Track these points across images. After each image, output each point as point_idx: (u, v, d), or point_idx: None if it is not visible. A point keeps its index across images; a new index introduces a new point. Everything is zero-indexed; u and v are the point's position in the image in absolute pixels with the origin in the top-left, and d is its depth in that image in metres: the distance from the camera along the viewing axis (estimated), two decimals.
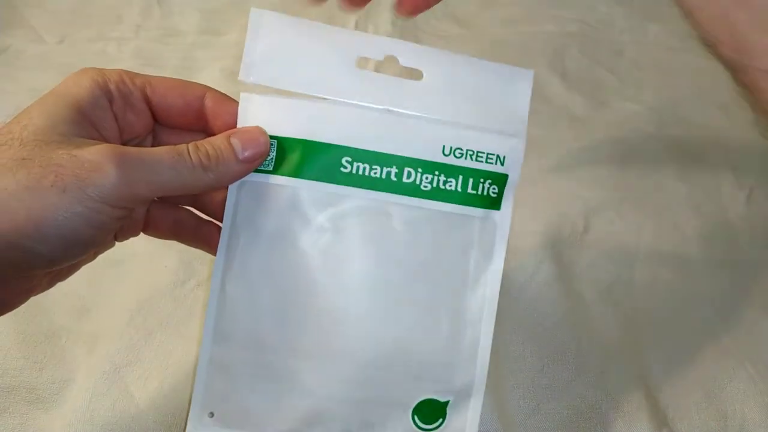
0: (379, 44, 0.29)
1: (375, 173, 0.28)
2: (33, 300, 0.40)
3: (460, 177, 0.29)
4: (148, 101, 0.29)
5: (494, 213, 0.30)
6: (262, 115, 0.28)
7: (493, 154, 0.29)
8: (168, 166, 0.25)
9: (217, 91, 0.30)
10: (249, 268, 0.29)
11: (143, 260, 0.42)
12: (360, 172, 0.28)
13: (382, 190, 0.29)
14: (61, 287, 0.40)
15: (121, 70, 0.29)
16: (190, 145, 0.27)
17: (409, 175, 0.29)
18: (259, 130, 0.28)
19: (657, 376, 0.38)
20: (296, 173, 0.28)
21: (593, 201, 0.49)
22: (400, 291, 0.29)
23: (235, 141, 0.27)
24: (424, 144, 0.29)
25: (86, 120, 0.27)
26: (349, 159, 0.28)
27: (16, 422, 0.35)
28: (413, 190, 0.29)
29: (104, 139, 0.27)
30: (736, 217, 0.49)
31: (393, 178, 0.29)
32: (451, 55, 0.29)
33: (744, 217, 0.48)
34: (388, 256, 0.29)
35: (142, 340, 0.38)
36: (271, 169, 0.28)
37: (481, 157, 0.29)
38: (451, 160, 0.29)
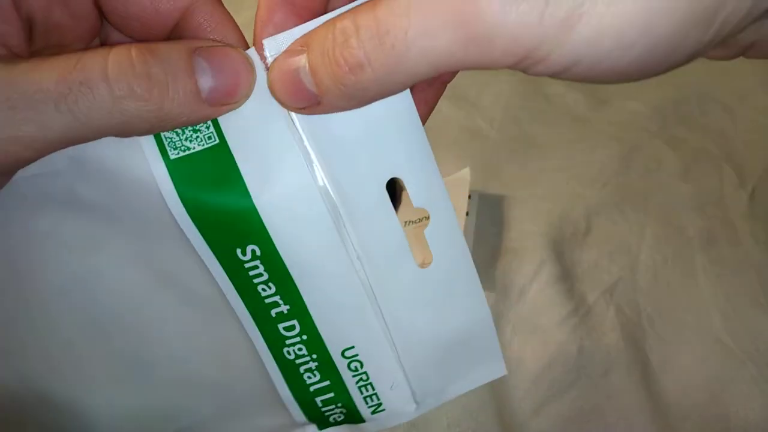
0: (428, 185, 0.19)
1: (264, 291, 0.20)
2: None
3: (327, 384, 0.22)
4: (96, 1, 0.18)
5: (310, 429, 0.23)
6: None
7: (378, 400, 0.22)
8: (61, 108, 0.15)
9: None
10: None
11: None
12: (251, 275, 0.20)
13: (250, 312, 0.20)
14: None
15: None
16: (114, 56, 0.15)
17: (290, 329, 0.21)
18: (242, 57, 0.17)
19: (659, 377, 0.38)
20: (192, 207, 0.18)
21: (595, 201, 0.49)
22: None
23: (202, 61, 0.16)
24: (340, 328, 0.21)
25: None
26: (257, 252, 0.19)
27: None
28: (276, 344, 0.21)
29: None
30: (739, 216, 0.48)
31: (273, 314, 0.20)
32: (478, 289, 0.22)
33: (746, 217, 0.48)
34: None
35: None
36: (171, 159, 0.18)
37: (366, 390, 0.22)
38: (341, 365, 0.21)
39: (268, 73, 0.17)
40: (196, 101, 0.16)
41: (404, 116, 0.18)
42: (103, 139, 0.16)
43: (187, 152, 0.18)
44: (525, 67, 0.15)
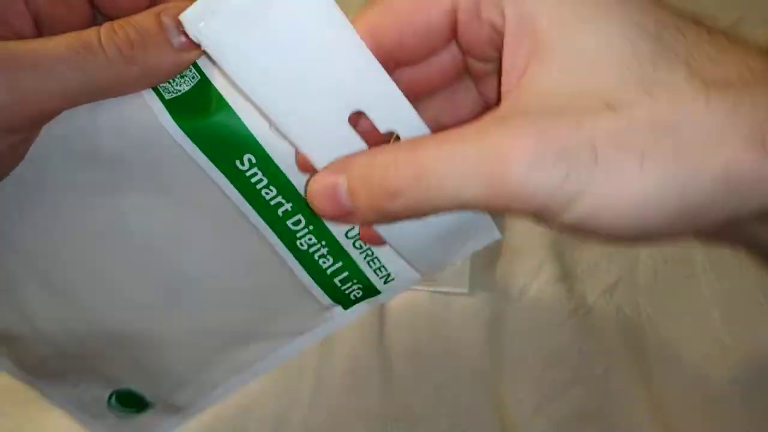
0: (393, 109, 0.20)
1: (267, 195, 0.23)
2: None
3: (340, 264, 0.25)
4: None
5: (337, 309, 0.27)
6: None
7: (386, 270, 0.25)
8: (72, 67, 0.19)
9: None
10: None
11: None
12: (253, 182, 0.23)
13: (261, 215, 0.23)
14: None
15: None
16: (103, 29, 0.19)
17: (297, 223, 0.24)
18: None
19: (659, 377, 0.38)
20: (192, 134, 0.22)
21: None
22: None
23: (166, 20, 0.20)
24: None
25: None
26: (253, 160, 0.22)
27: (14, 424, 0.35)
28: (289, 239, 0.24)
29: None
30: None
31: (280, 213, 0.23)
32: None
33: None
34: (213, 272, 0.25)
35: None
36: (166, 99, 0.21)
37: (374, 263, 0.25)
38: (347, 245, 0.24)
39: (307, 185, 0.20)
40: (169, 50, 0.20)
41: (357, 54, 0.19)
42: (112, 99, 0.21)
43: (179, 93, 0.21)
44: (537, 220, 0.18)
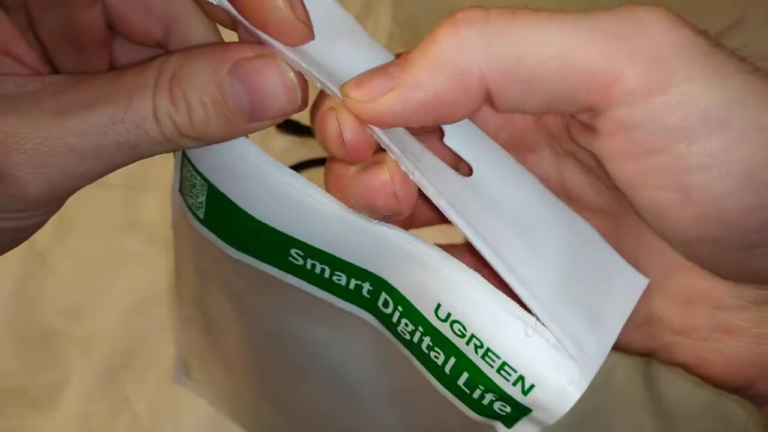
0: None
1: (340, 280, 0.19)
2: (27, 301, 0.39)
3: (454, 360, 0.17)
4: None
5: (499, 426, 0.18)
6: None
7: (518, 374, 0.16)
8: (115, 149, 0.16)
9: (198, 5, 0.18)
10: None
11: (138, 261, 0.42)
12: (316, 272, 0.19)
13: (356, 304, 0.19)
14: (55, 288, 0.40)
15: None
16: (159, 97, 0.16)
17: (386, 304, 0.18)
18: (277, 77, 0.16)
19: (661, 379, 0.38)
20: (237, 244, 0.19)
21: None
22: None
23: (236, 87, 0.16)
24: (416, 286, 0.17)
25: None
26: (301, 253, 0.18)
27: (10, 425, 0.34)
28: (393, 329, 0.19)
29: None
30: None
31: (365, 294, 0.19)
32: (542, 190, 0.18)
33: None
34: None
35: (138, 342, 0.37)
36: (202, 219, 0.19)
37: (492, 360, 0.16)
38: (446, 331, 0.17)
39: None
40: (236, 122, 0.16)
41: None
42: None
43: (203, 206, 0.19)
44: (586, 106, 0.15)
